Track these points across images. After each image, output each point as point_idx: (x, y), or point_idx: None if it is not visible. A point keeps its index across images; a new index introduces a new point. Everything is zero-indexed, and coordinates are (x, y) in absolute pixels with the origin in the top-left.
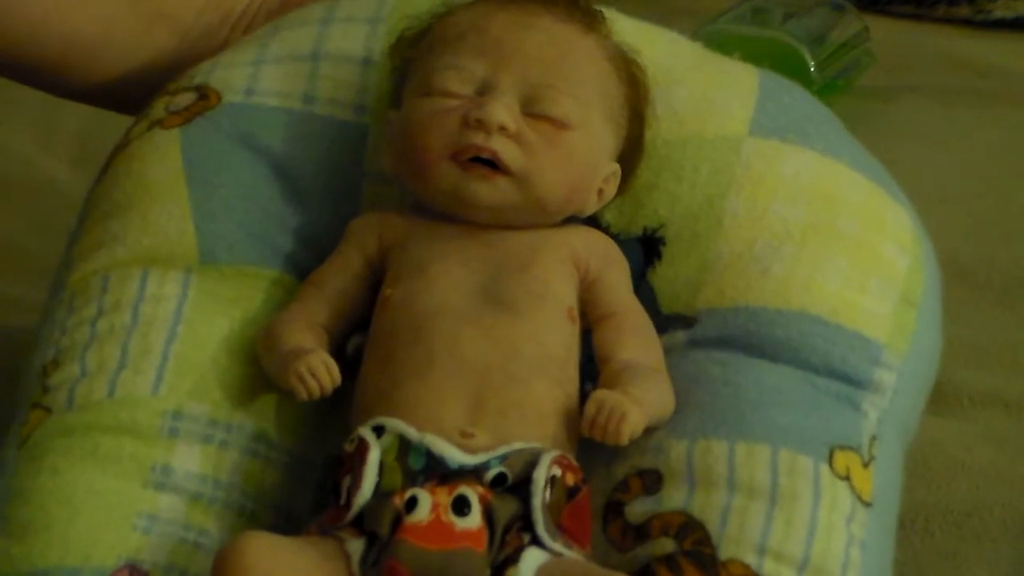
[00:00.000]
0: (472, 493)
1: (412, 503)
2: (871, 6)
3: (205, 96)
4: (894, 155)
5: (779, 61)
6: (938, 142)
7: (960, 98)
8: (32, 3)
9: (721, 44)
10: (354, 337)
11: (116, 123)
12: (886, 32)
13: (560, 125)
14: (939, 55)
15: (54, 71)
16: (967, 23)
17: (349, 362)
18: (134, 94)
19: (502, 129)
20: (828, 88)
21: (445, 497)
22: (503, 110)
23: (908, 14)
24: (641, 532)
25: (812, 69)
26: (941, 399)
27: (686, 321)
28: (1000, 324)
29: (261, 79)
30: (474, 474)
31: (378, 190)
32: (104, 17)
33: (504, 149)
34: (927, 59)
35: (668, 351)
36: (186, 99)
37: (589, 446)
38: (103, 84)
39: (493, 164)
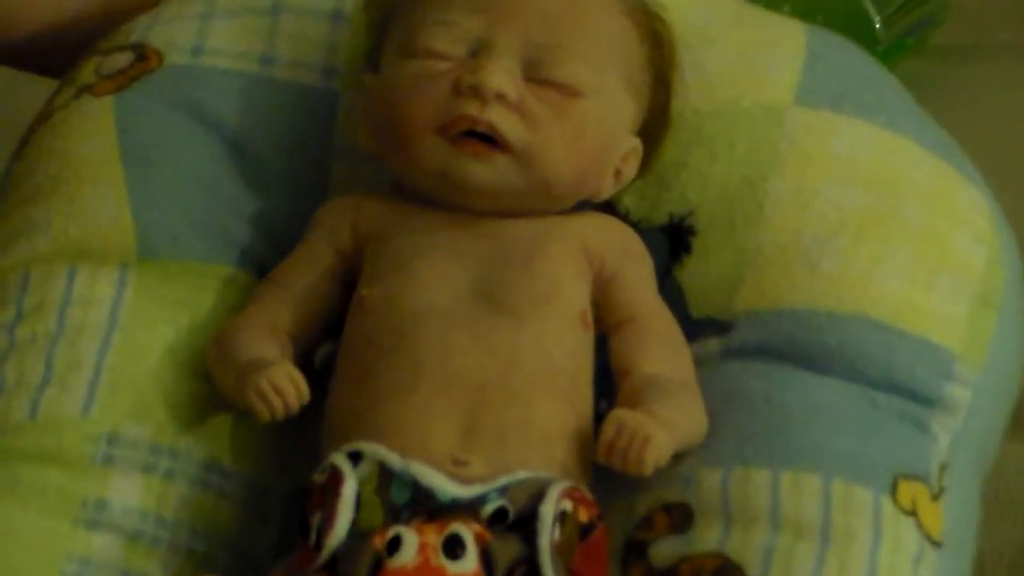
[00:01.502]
0: (467, 532)
1: (395, 544)
2: None
3: (144, 57)
4: (971, 128)
5: (837, 16)
6: None
7: None
8: None
9: None
10: (324, 346)
11: (36, 87)
12: None
13: (569, 92)
14: None
15: None
16: None
17: (318, 375)
18: (57, 52)
19: (500, 97)
20: (896, 48)
21: (435, 536)
22: (502, 74)
23: None
24: None
25: (878, 26)
26: None
27: (720, 326)
28: None
29: (210, 36)
30: (469, 509)
31: (351, 170)
32: None
33: (503, 121)
34: (1011, 13)
35: (699, 362)
36: (121, 60)
37: (606, 476)
38: (20, 40)
39: (490, 139)
